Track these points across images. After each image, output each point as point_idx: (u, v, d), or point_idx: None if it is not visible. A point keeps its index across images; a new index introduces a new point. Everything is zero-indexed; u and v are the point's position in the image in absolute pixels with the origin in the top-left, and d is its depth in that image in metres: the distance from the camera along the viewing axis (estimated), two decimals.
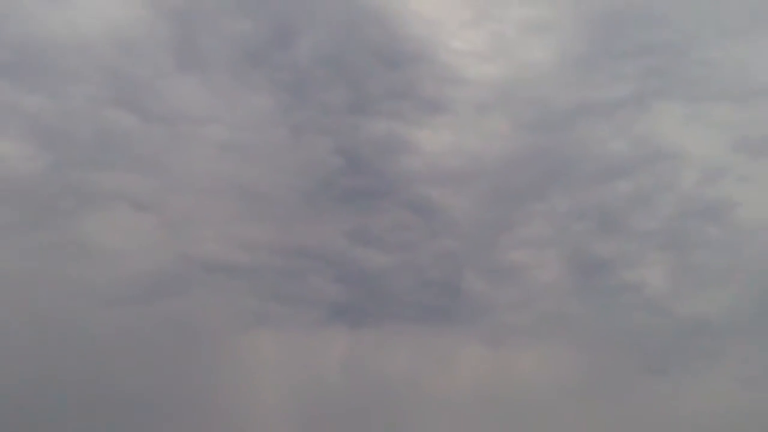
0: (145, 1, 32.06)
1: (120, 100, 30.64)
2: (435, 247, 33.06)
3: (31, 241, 27.90)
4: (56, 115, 30.18)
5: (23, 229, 28.17)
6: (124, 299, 26.06)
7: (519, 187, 37.44)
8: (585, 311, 35.42)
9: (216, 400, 27.03)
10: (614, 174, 37.34)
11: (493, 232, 37.54)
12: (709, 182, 33.70)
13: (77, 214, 28.94)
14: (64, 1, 30.92)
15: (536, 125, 36.85)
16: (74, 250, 27.05)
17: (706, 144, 36.18)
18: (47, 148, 27.30)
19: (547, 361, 32.68)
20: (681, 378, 32.75)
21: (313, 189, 30.72)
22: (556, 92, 35.99)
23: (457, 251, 33.96)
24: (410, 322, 28.77)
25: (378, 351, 28.19)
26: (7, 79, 27.92)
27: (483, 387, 33.52)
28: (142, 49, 32.89)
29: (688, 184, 35.46)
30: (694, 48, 35.02)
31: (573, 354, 34.32)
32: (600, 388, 33.46)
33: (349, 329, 28.38)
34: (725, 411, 28.75)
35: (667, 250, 34.44)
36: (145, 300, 26.65)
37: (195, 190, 29.30)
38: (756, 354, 30.72)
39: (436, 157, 33.30)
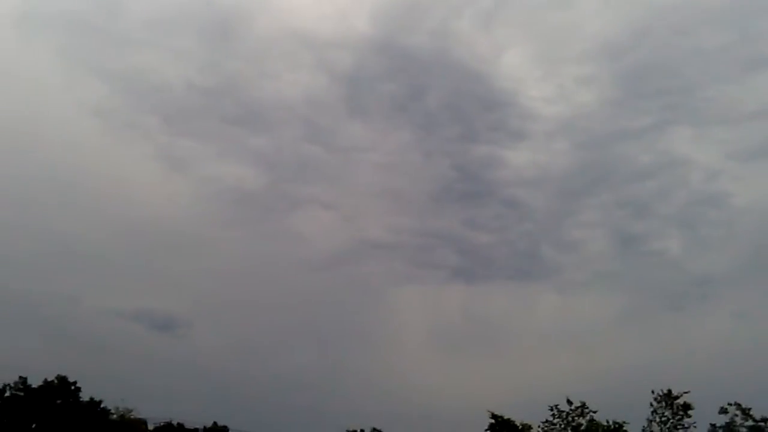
0: (326, 71, 46.88)
1: (312, 138, 44.37)
2: (521, 229, 46.20)
3: (258, 231, 43.52)
4: (272, 149, 44.98)
5: (253, 223, 42.50)
6: (319, 267, 36.85)
7: (576, 187, 53.04)
8: (625, 269, 49.18)
9: (378, 331, 36.52)
10: (643, 177, 53.69)
11: (559, 218, 52.50)
12: (711, 180, 50.02)
13: (287, 213, 41.41)
14: (273, 77, 46.46)
15: (587, 145, 53.61)
16: (287, 236, 39.32)
17: (708, 154, 52.60)
18: (267, 170, 42.82)
19: (599, 304, 42.33)
20: (693, 314, 41.44)
21: (439, 192, 43.79)
22: (600, 123, 52.88)
23: (535, 231, 48.36)
24: (505, 280, 39.46)
25: (484, 300, 37.76)
26: (240, 127, 45.95)
27: (556, 323, 43.53)
28: (324, 104, 46.37)
29: (695, 182, 47.70)
30: (698, 89, 52.81)
31: (617, 299, 46.00)
32: (636, 321, 42.74)
33: (465, 285, 38.90)
34: (724, 335, 35.65)
35: (682, 227, 49.61)
36: (332, 268, 36.90)
37: (362, 195, 44.01)
38: (744, 297, 39.18)
39: (520, 169, 48.56)
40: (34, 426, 27.91)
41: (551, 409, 20.49)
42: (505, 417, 21.10)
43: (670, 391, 21.82)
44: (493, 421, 20.78)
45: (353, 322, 37.64)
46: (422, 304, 37.06)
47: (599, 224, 50.13)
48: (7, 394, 28.96)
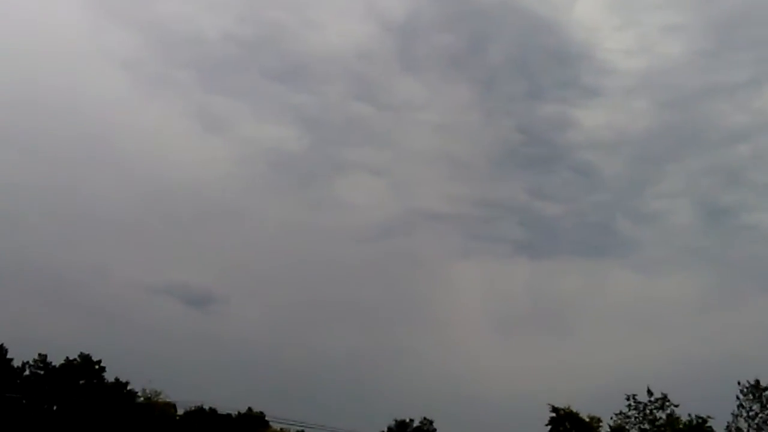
0: (376, 20, 44.95)
1: (359, 95, 43.96)
2: (593, 199, 45.06)
3: (300, 199, 40.86)
4: (316, 107, 44.24)
5: (294, 190, 43.01)
6: (366, 239, 35.60)
7: (658, 152, 50.21)
8: (712, 246, 46.48)
9: (431, 310, 34.96)
10: (736, 140, 50.65)
11: (638, 187, 49.90)
12: None
13: (331, 180, 39.98)
14: (318, 27, 46.19)
15: (671, 104, 50.72)
16: (331, 204, 37.47)
17: None
18: (310, 131, 43.31)
19: (682, 285, 39.88)
20: None
21: (501, 157, 42.30)
22: (687, 78, 49.73)
23: (610, 201, 46.28)
24: (575, 255, 38.38)
25: (550, 277, 35.80)
26: (281, 83, 45.44)
27: (631, 304, 40.46)
28: (375, 57, 46.19)
29: None
30: None
31: (702, 278, 43.49)
32: (724, 304, 40.37)
33: (529, 261, 37.92)
34: None
35: None
36: (380, 240, 35.79)
37: (414, 160, 39.97)
38: None
39: (594, 130, 46.50)
40: (55, 408, 27.68)
41: (627, 399, 19.48)
42: (570, 409, 20.11)
43: (758, 381, 20.38)
44: (554, 415, 19.80)
45: (403, 299, 37.71)
46: (481, 281, 36.21)
47: (683, 194, 47.64)
48: (27, 372, 28.84)
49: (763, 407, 19.74)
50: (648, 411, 19.78)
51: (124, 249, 44.48)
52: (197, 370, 35.24)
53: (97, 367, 29.52)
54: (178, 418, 30.13)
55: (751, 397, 20.12)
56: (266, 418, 31.70)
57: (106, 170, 48.65)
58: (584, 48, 48.15)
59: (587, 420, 20.60)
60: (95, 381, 28.77)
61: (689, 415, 19.57)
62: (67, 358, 29.37)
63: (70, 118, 48.52)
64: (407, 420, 32.05)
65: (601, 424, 20.75)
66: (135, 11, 59.26)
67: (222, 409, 31.27)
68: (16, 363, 28.61)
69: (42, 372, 29.09)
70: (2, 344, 27.98)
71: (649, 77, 49.66)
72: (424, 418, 32.11)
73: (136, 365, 31.38)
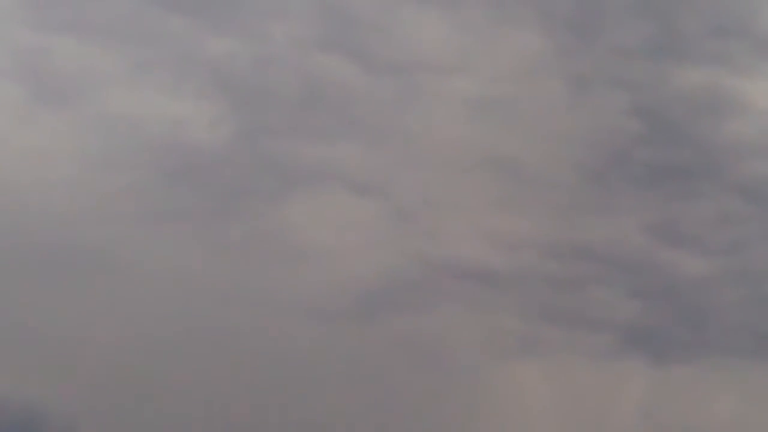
0: None
1: (334, 42, 27.20)
2: None
3: (218, 236, 29.26)
4: (248, 62, 30.87)
5: (205, 222, 29.18)
6: (340, 315, 25.36)
7: None
8: None
9: None
10: None
11: None
12: None
13: (276, 202, 26.37)
14: None
15: None
16: (275, 251, 25.76)
17: None
18: (236, 109, 25.95)
19: None
20: None
21: (600, 165, 27.87)
22: None
23: None
24: (739, 356, 27.18)
25: (691, 398, 27.05)
26: (184, 15, 25.87)
27: None
28: None
29: None
30: None
31: None
32: None
33: (650, 363, 27.18)
34: None
35: None
36: (367, 317, 25.75)
37: (435, 167, 26.88)
38: None
39: None
40: None
41: None
42: None
43: None
44: None
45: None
46: (557, 399, 28.31)
47: None
48: None
49: None
50: None
51: None
52: None
53: None
54: None
55: None
56: None
57: None
58: None
59: None
60: None
61: None
62: None
63: None
64: None
65: None
66: None
67: None
68: None
69: None
70: None
71: None
72: None
73: None
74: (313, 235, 26.18)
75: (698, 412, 26.95)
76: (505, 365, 26.88)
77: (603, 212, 28.29)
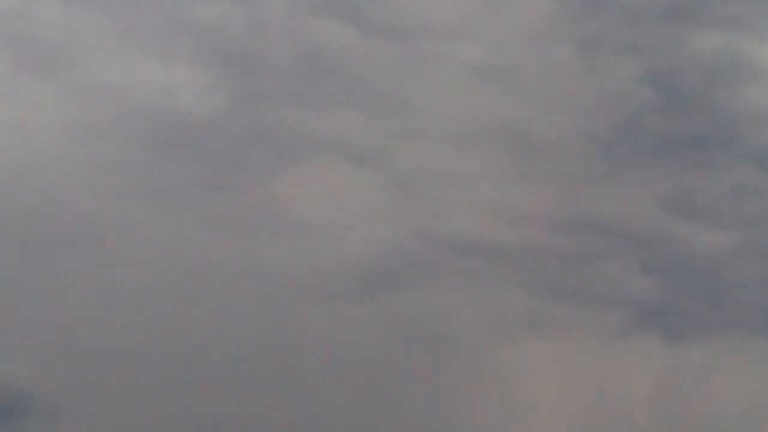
0: None
1: (332, 6, 26.72)
2: None
3: (210, 208, 28.92)
4: (240, 29, 29.93)
5: (196, 193, 29.02)
6: (341, 294, 25.56)
7: None
8: None
9: None
10: None
11: None
12: None
13: (273, 173, 26.60)
14: None
15: None
16: (269, 225, 25.53)
17: None
18: (229, 76, 25.65)
19: None
20: None
21: (611, 135, 27.26)
22: None
23: None
24: (756, 333, 26.86)
25: (706, 376, 26.63)
26: None
27: None
28: None
29: None
30: None
31: None
32: None
33: (664, 342, 26.60)
34: None
35: None
36: (366, 295, 25.46)
37: (438, 137, 26.34)
38: None
39: None
40: None
41: None
42: None
43: None
44: None
45: (419, 418, 26.24)
46: (566, 381, 27.64)
47: None
48: None
49: None
50: None
51: None
52: None
53: None
54: None
55: None
56: None
57: None
58: None
59: None
60: None
61: None
62: None
63: None
64: None
65: None
66: None
67: None
68: None
69: None
70: None
71: None
72: None
73: None
74: (311, 210, 25.45)
75: (716, 393, 26.59)
76: (512, 346, 26.30)
77: (614, 184, 27.77)
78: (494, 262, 26.79)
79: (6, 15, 24.28)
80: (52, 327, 23.12)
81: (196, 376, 23.49)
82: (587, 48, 25.86)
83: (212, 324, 23.63)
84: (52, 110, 24.45)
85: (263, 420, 24.23)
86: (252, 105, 24.90)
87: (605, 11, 27.02)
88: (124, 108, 23.87)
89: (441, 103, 26.36)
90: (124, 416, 22.98)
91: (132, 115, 23.76)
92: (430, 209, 26.66)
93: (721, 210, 27.04)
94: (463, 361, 25.57)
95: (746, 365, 26.71)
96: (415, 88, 26.35)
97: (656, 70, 26.41)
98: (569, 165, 26.93)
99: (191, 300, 23.96)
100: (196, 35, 24.82)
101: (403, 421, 24.64)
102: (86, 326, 23.19)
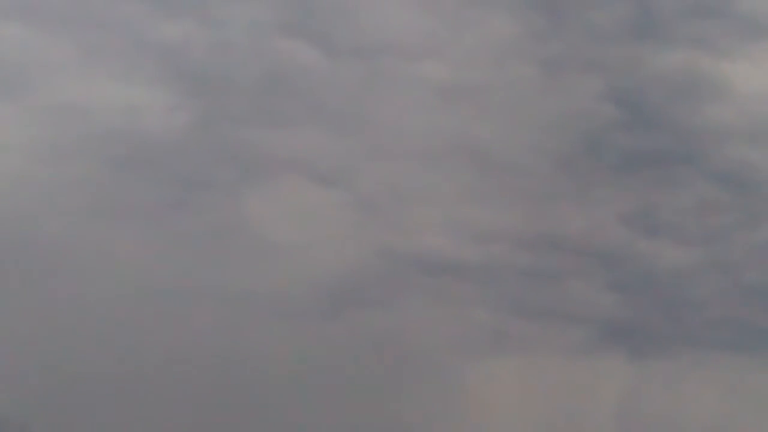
0: None
1: (295, 26, 27.03)
2: (756, 238, 31.65)
3: (175, 227, 28.43)
4: (205, 48, 26.97)
5: (160, 212, 28.91)
6: (306, 312, 25.48)
7: None
8: None
9: None
10: None
11: None
12: None
13: (237, 193, 26.38)
14: None
15: None
16: (235, 244, 25.85)
17: None
18: (193, 96, 25.73)
19: None
20: None
21: (575, 152, 27.67)
22: None
23: None
24: (719, 349, 27.22)
25: (669, 392, 27.19)
26: (140, 1, 25.41)
27: None
28: None
29: None
30: None
31: None
32: None
33: (628, 358, 27.22)
34: None
35: None
36: (330, 313, 25.71)
37: (402, 155, 26.62)
38: None
39: (758, 102, 32.18)
40: None
41: None
42: None
43: None
44: None
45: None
46: (529, 399, 28.39)
47: None
48: None
49: None
50: None
51: None
52: None
53: None
54: None
55: None
56: None
57: None
58: None
59: None
60: None
61: None
62: None
63: None
64: None
65: None
66: None
67: None
68: None
69: None
70: None
71: None
72: None
73: None
74: (275, 229, 25.74)
75: (678, 407, 27.10)
76: (476, 362, 26.68)
77: (578, 201, 27.94)
78: (459, 280, 26.88)
79: None
80: (18, 348, 23.22)
81: (163, 392, 23.83)
82: (551, 66, 26.11)
83: (179, 341, 23.82)
84: (15, 131, 24.44)
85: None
86: (216, 124, 24.71)
87: (568, 30, 27.11)
88: (87, 128, 23.73)
89: (405, 122, 26.44)
90: None
91: (96, 135, 23.65)
92: (395, 227, 26.71)
93: (684, 226, 27.29)
94: (428, 377, 25.88)
95: (708, 380, 27.06)
96: (379, 107, 26.46)
97: (619, 88, 26.65)
98: (533, 182, 26.98)
99: (158, 318, 24.19)
100: (159, 55, 24.61)
101: None
102: (52, 346, 23.29)
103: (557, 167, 27.45)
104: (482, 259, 26.89)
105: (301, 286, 25.63)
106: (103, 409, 23.66)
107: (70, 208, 24.63)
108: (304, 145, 25.96)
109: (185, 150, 25.48)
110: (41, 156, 24.53)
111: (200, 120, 25.16)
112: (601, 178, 27.76)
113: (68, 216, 24.71)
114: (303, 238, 26.19)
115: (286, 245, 25.68)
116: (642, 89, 27.51)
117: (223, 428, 24.22)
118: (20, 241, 24.01)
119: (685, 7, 27.68)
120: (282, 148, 25.87)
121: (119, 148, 24.73)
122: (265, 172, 26.07)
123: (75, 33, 25.36)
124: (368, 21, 26.75)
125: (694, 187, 28.14)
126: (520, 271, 26.71)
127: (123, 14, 24.80)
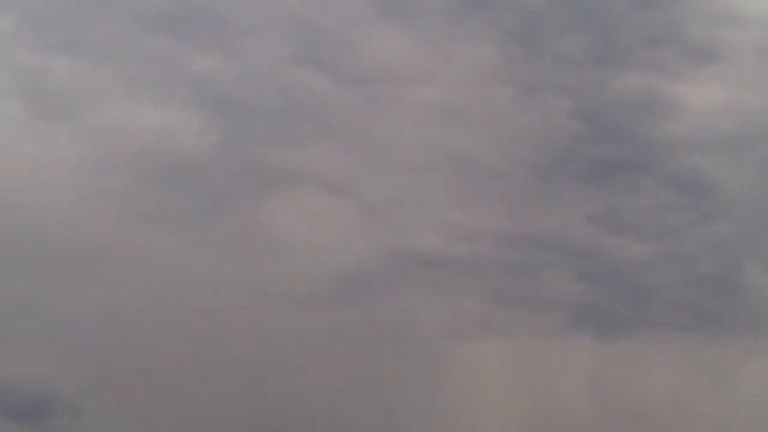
0: None
1: (308, 57, 30.37)
2: (706, 234, 32.93)
3: (204, 232, 29.13)
4: (232, 79, 30.43)
5: (192, 218, 29.06)
6: (318, 301, 28.04)
7: None
8: None
9: (433, 421, 28.46)
10: None
11: None
12: None
13: (257, 201, 29.93)
14: None
15: None
16: (255, 245, 28.76)
17: None
18: (221, 119, 28.67)
19: None
20: None
21: (548, 162, 31.46)
22: None
23: (735, 239, 34.70)
24: (676, 331, 30.57)
25: (632, 368, 30.46)
26: (171, 36, 28.45)
27: None
28: None
29: None
30: None
31: None
32: None
33: (596, 339, 30.55)
34: None
35: None
36: (340, 302, 28.43)
37: (399, 167, 30.40)
38: None
39: (707, 118, 32.35)
40: None
41: None
42: None
43: None
44: None
45: (378, 408, 30.85)
46: (512, 375, 32.71)
47: None
48: None
49: None
50: None
51: None
52: None
53: None
54: None
55: None
56: None
57: None
58: None
59: None
60: None
61: None
62: None
63: None
64: None
65: None
66: None
67: None
68: None
69: None
70: None
71: None
72: None
73: None
74: (292, 231, 28.33)
75: (640, 382, 29.47)
76: (465, 344, 29.04)
77: (551, 204, 31.02)
78: (450, 273, 29.80)
79: (24, 69, 26.20)
80: (71, 336, 25.62)
81: (196, 377, 25.80)
82: (526, 89, 28.58)
83: (209, 331, 26.04)
84: (66, 150, 26.65)
85: (257, 412, 27.12)
86: (240, 143, 26.81)
87: (541, 57, 29.68)
88: (129, 147, 25.55)
89: (402, 138, 28.83)
90: (136, 414, 25.55)
91: (136, 153, 25.47)
92: (395, 229, 29.54)
93: (643, 224, 30.09)
94: (424, 358, 28.34)
95: (665, 356, 29.88)
96: (379, 125, 28.61)
97: (585, 106, 29.18)
98: (513, 189, 29.81)
99: (190, 310, 26.23)
100: (191, 84, 26.38)
101: (374, 409, 27.78)
102: (100, 335, 25.47)
103: (533, 175, 29.68)
104: (469, 255, 29.31)
105: (313, 280, 27.97)
106: (145, 390, 25.79)
107: (113, 215, 26.89)
108: (315, 160, 27.94)
109: (213, 165, 27.46)
110: (89, 171, 26.59)
111: (226, 140, 27.02)
112: (571, 184, 30.15)
113: (112, 221, 26.80)
114: (315, 239, 28.42)
115: (300, 245, 28.01)
116: (606, 108, 29.68)
117: (251, 404, 26.75)
118: (72, 243, 26.18)
119: (643, 37, 30.10)
120: (296, 163, 27.71)
121: (156, 164, 26.81)
122: (281, 183, 27.90)
123: (117, 65, 27.05)
124: (369, 51, 28.76)
125: (652, 191, 30.85)
126: (502, 265, 29.15)
127: (159, 49, 26.73)
